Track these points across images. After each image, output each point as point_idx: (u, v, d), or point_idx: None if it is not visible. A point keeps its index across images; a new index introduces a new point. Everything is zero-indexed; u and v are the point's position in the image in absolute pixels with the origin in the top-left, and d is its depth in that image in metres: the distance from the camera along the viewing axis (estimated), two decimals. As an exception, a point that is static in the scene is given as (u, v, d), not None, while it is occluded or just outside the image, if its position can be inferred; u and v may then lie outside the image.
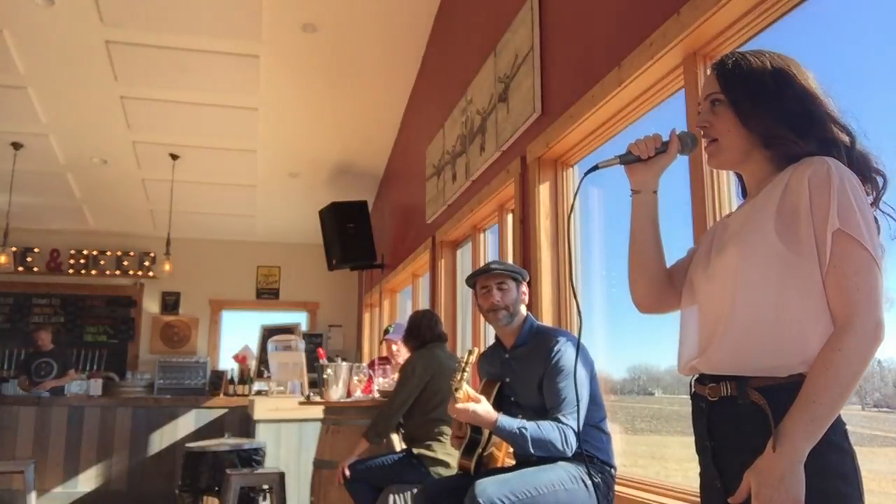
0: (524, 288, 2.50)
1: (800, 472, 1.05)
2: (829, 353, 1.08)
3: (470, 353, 2.29)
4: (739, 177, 1.42)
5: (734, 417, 1.19)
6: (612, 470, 2.31)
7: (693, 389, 1.32)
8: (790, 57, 1.30)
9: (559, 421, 2.17)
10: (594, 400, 2.31)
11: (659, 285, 1.42)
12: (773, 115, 1.24)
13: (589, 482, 2.18)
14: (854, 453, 1.13)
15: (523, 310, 2.49)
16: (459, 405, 2.13)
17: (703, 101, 1.35)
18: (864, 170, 1.20)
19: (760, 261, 1.17)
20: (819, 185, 1.13)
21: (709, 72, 1.37)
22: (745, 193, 1.41)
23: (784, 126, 1.23)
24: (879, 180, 1.21)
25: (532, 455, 2.17)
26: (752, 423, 1.15)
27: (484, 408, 2.15)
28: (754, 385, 1.17)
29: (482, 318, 4.25)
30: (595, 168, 1.42)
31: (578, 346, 1.68)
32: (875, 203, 1.20)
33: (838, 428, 1.13)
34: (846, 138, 1.22)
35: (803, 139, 1.22)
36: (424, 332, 3.45)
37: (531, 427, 2.13)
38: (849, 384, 1.07)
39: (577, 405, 2.11)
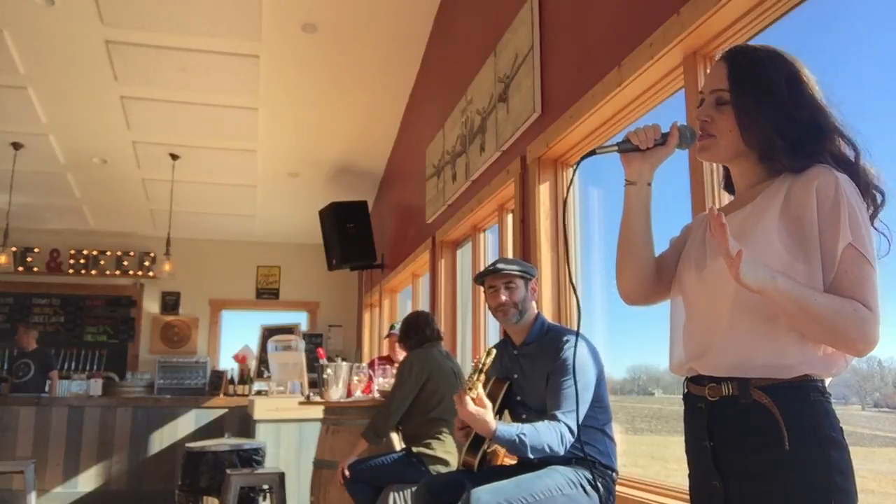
0: (533, 285, 2.50)
1: (755, 274, 1.09)
2: (849, 301, 1.10)
3: (488, 353, 2.28)
4: (725, 169, 1.42)
5: (737, 417, 1.19)
6: (614, 474, 2.31)
7: (687, 390, 1.32)
8: (797, 60, 1.29)
9: (556, 419, 2.17)
10: (600, 403, 2.30)
11: (647, 278, 1.41)
12: (776, 124, 1.23)
13: (588, 487, 2.17)
14: (848, 448, 1.15)
15: (533, 307, 2.50)
16: (469, 407, 2.11)
17: (708, 94, 1.33)
18: (864, 185, 1.20)
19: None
20: (829, 197, 1.14)
21: (719, 61, 1.33)
22: (727, 183, 1.42)
23: (784, 137, 1.22)
24: (878, 197, 1.22)
25: (532, 460, 2.16)
26: (757, 422, 1.16)
27: (486, 416, 2.12)
28: (757, 385, 1.17)
29: (482, 318, 4.27)
30: (592, 153, 1.40)
31: (577, 337, 1.66)
32: (871, 220, 1.20)
33: (836, 424, 1.15)
34: (851, 153, 1.22)
35: (796, 154, 1.21)
36: (419, 332, 3.48)
37: (529, 433, 2.11)
38: (818, 315, 1.09)
39: (577, 402, 2.10)
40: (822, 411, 1.15)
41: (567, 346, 2.29)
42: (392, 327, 4.55)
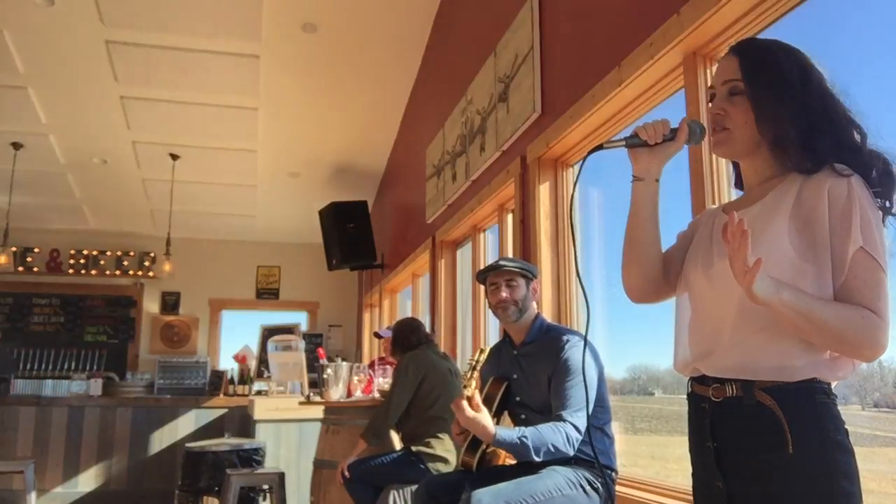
0: (535, 285, 2.51)
1: (764, 286, 1.07)
2: (856, 308, 1.10)
3: (481, 351, 2.29)
4: (736, 165, 1.41)
5: (741, 418, 1.18)
6: (614, 473, 2.30)
7: (691, 389, 1.31)
8: (804, 52, 1.28)
9: (561, 419, 2.16)
10: (600, 402, 2.30)
11: (654, 276, 1.39)
12: (791, 113, 1.21)
13: (588, 487, 2.17)
14: (854, 451, 1.14)
15: (534, 307, 2.50)
16: (467, 412, 2.10)
17: (719, 85, 1.30)
18: (876, 170, 1.19)
19: (771, 267, 1.13)
20: (840, 199, 1.13)
21: (728, 55, 1.32)
22: (739, 181, 1.40)
23: (797, 128, 1.21)
24: (889, 181, 1.19)
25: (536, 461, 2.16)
26: (761, 424, 1.15)
27: (484, 420, 2.11)
28: (761, 386, 1.16)
29: (482, 318, 4.27)
30: (600, 147, 1.38)
31: (586, 339, 1.61)
32: (889, 209, 1.18)
33: (841, 427, 1.14)
34: (858, 139, 1.21)
35: (811, 146, 1.20)
36: (410, 338, 3.54)
37: (531, 435, 2.10)
38: (826, 326, 1.09)
39: (587, 402, 2.07)
40: (828, 414, 1.13)
41: (568, 346, 2.29)
42: (377, 334, 4.65)
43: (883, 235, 1.14)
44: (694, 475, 1.31)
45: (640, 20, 2.29)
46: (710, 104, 1.33)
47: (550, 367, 2.30)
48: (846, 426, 1.15)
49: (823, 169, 1.18)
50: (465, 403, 2.09)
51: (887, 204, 1.19)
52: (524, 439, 2.09)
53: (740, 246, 1.06)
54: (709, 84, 1.37)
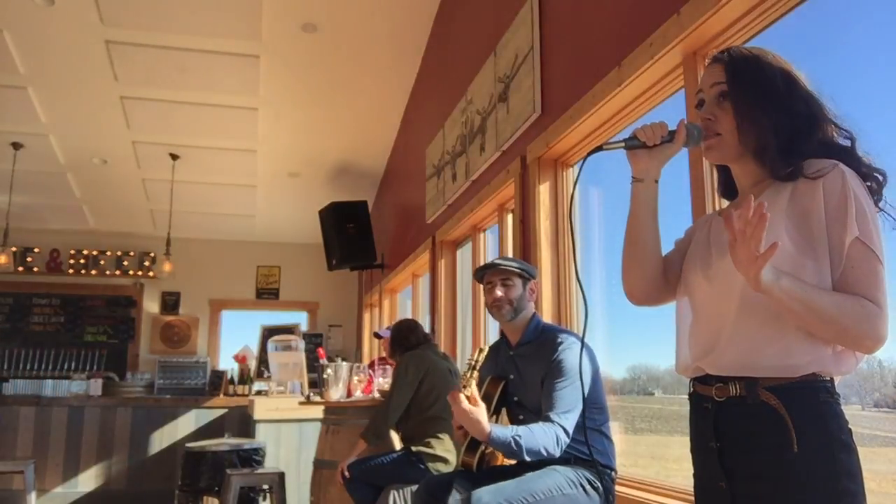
0: (533, 285, 2.50)
1: (763, 275, 1.07)
2: (855, 298, 1.10)
3: (480, 351, 2.28)
4: (721, 172, 1.41)
5: (744, 418, 1.18)
6: (613, 473, 2.30)
7: (693, 389, 1.31)
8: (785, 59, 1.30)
9: (549, 420, 2.16)
10: (597, 403, 2.29)
11: (654, 277, 1.40)
12: (774, 122, 1.23)
13: (588, 487, 2.17)
14: (857, 451, 1.14)
15: (531, 307, 2.49)
16: (463, 405, 2.11)
17: (707, 89, 1.33)
18: (864, 170, 1.20)
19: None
20: (835, 191, 1.14)
21: (713, 63, 1.34)
22: (726, 188, 1.41)
23: (779, 137, 1.22)
24: (879, 178, 1.21)
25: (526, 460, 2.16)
26: (765, 424, 1.15)
27: (479, 415, 2.10)
28: (764, 385, 1.16)
29: (482, 318, 4.27)
30: (599, 149, 1.39)
31: (583, 340, 1.62)
32: (877, 203, 1.20)
33: (845, 427, 1.14)
34: (847, 142, 1.23)
35: (794, 150, 1.21)
36: (408, 338, 3.54)
37: (525, 435, 2.10)
38: (825, 314, 1.09)
39: (583, 401, 2.06)
40: (831, 413, 1.14)
41: (562, 348, 2.29)
42: (377, 335, 4.66)
43: (878, 226, 1.15)
44: (696, 475, 1.31)
45: (640, 20, 2.29)
46: (697, 109, 1.35)
47: (544, 368, 2.29)
48: (849, 426, 1.15)
49: (819, 165, 1.18)
50: (462, 396, 2.09)
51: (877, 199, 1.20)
52: (518, 438, 2.09)
53: (756, 229, 1.05)
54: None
